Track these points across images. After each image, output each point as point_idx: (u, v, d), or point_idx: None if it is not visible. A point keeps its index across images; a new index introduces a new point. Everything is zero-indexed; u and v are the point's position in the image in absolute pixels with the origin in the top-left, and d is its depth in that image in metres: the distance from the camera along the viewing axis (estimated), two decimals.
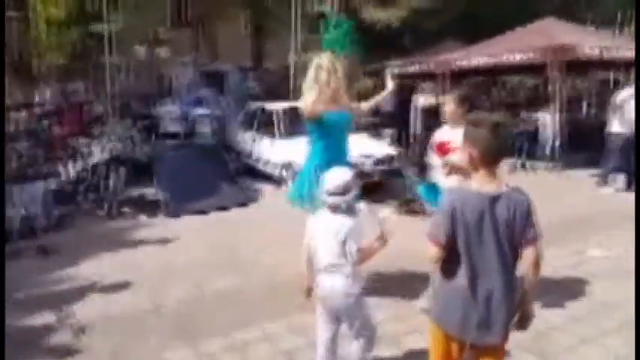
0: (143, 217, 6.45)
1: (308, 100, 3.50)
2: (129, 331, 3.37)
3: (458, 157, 2.06)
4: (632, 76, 9.64)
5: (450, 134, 3.31)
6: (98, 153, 6.82)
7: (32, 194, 5.70)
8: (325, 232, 2.44)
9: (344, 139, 3.69)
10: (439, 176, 3.31)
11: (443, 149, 3.34)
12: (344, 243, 2.38)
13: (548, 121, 9.32)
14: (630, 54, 9.37)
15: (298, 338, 3.15)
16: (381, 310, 3.38)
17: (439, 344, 2.03)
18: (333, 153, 3.53)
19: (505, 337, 1.93)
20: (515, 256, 1.90)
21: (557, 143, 9.10)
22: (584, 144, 9.86)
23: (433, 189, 3.30)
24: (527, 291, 1.93)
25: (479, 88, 13.30)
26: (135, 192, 7.27)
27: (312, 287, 2.58)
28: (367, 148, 7.55)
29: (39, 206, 5.68)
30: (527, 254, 1.87)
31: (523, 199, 1.87)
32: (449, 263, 1.94)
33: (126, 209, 6.67)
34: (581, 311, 3.54)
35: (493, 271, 1.87)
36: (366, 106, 4.00)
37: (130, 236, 5.68)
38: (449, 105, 3.46)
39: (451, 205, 1.89)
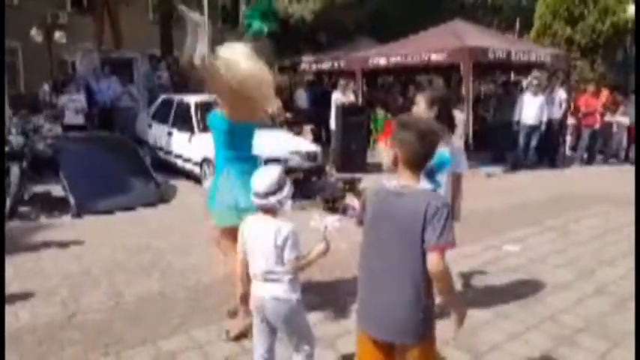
0: (49, 217, 5.93)
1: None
2: (42, 345, 3.07)
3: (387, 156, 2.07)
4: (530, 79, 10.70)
5: None
6: None
7: None
8: (260, 238, 2.30)
9: (249, 135, 3.44)
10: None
11: None
12: (281, 249, 2.25)
13: (458, 120, 9.92)
14: (533, 58, 10.36)
15: (230, 345, 3.05)
16: (314, 310, 3.39)
17: (361, 346, 2.05)
18: (236, 149, 3.30)
19: (415, 337, 1.91)
20: (420, 256, 1.86)
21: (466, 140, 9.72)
22: (490, 142, 10.75)
23: None
24: (441, 295, 1.94)
25: (393, 87, 13.79)
26: (39, 188, 6.67)
27: (248, 294, 2.42)
28: (293, 145, 7.56)
29: None
30: (429, 259, 1.84)
31: (429, 201, 1.83)
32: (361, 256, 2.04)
33: (28, 208, 6.09)
34: (505, 306, 3.70)
35: (392, 269, 1.89)
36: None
37: (35, 238, 5.19)
38: (418, 105, 3.30)
39: (367, 195, 2.02)
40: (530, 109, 9.94)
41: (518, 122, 10.08)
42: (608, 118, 11.13)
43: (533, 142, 10.12)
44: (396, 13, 16.40)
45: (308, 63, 13.38)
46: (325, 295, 3.79)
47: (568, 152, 11.57)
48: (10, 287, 3.90)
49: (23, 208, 6.11)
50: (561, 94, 10.76)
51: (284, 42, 16.16)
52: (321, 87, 14.02)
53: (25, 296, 3.74)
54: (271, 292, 2.28)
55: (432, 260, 1.82)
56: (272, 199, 2.30)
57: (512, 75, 14.04)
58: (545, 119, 10.03)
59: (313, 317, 3.34)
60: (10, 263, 4.37)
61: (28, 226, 5.62)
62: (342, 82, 9.97)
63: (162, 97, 9.65)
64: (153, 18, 17.35)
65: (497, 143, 10.75)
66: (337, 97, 9.64)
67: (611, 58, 16.17)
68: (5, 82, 9.38)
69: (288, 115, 10.38)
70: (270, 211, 2.33)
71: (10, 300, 3.66)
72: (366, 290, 2.00)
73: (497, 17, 21.61)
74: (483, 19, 20.31)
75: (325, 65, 13.05)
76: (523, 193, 7.95)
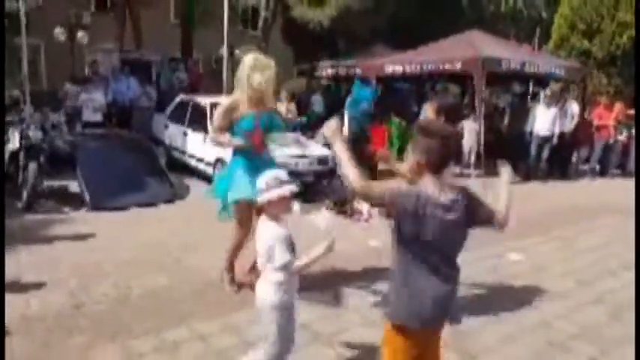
0: (64, 211, 6.14)
1: (228, 100, 3.71)
2: (51, 332, 3.22)
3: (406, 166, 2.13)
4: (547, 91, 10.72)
5: None
6: (16, 141, 6.34)
7: None
8: (260, 237, 2.42)
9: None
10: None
11: None
12: (272, 251, 2.32)
13: (471, 129, 9.94)
14: (547, 69, 10.38)
15: (231, 337, 3.18)
16: (311, 309, 3.49)
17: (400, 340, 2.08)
18: (254, 154, 3.68)
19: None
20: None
21: (477, 151, 9.75)
22: (503, 152, 10.74)
23: None
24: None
25: (410, 94, 13.84)
26: (56, 183, 6.89)
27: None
28: (301, 148, 7.67)
29: None
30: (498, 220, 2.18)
31: (465, 195, 2.05)
32: (408, 263, 2.04)
33: (46, 202, 6.31)
34: (501, 311, 3.77)
35: (446, 264, 2.06)
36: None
37: (49, 231, 5.38)
38: (426, 113, 3.42)
39: (417, 194, 1.96)
40: (543, 121, 9.96)
41: (530, 133, 10.09)
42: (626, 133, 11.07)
43: (545, 154, 10.11)
44: (414, 21, 16.49)
45: (324, 68, 13.53)
46: (326, 294, 3.90)
47: (581, 165, 11.50)
48: (24, 277, 4.07)
49: (39, 202, 6.32)
50: (574, 106, 10.74)
51: (302, 47, 16.38)
52: (337, 92, 14.17)
53: (37, 286, 3.89)
54: (258, 288, 2.43)
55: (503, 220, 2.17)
56: (259, 198, 2.39)
57: (532, 86, 14.01)
58: (557, 131, 10.01)
59: (313, 314, 3.46)
60: (25, 254, 4.58)
61: (44, 219, 5.80)
62: None
63: (179, 98, 9.87)
64: (173, 20, 17.71)
65: (509, 154, 10.73)
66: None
67: (629, 71, 16.04)
68: (21, 79, 9.70)
69: (303, 119, 10.53)
70: (262, 210, 2.43)
71: (23, 289, 3.82)
72: (416, 285, 2.02)
73: (517, 29, 21.61)
74: (503, 30, 20.35)
75: (341, 71, 13.20)
76: (532, 203, 7.95)
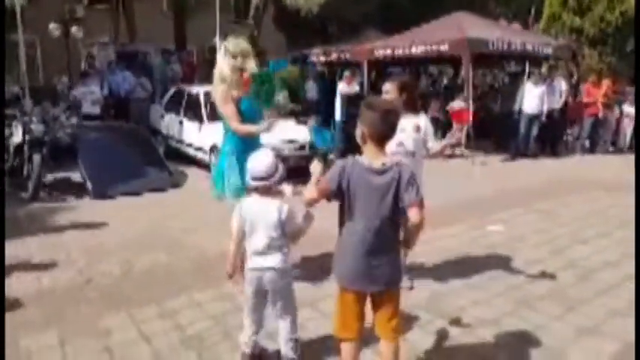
0: (68, 200, 6.45)
1: (219, 89, 3.62)
2: (62, 303, 3.55)
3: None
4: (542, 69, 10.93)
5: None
6: (20, 135, 6.64)
7: None
8: (263, 215, 2.55)
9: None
10: None
11: None
12: (282, 224, 2.53)
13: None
14: (534, 48, 10.54)
15: (224, 303, 3.50)
16: (298, 277, 3.79)
17: (343, 301, 2.37)
18: (247, 139, 3.68)
19: (399, 283, 2.39)
20: (399, 214, 2.28)
21: (467, 131, 9.97)
22: (492, 131, 11.00)
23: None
24: (408, 237, 2.38)
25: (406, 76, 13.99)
26: (59, 174, 7.21)
27: (236, 270, 2.74)
28: (291, 133, 7.93)
29: None
30: (411, 214, 2.23)
31: (402, 171, 2.25)
32: (343, 226, 2.35)
33: (50, 192, 6.64)
34: (475, 276, 4.07)
35: (379, 228, 2.26)
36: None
37: (55, 218, 5.71)
38: (390, 93, 3.52)
39: (342, 168, 2.27)
40: (531, 99, 10.12)
41: (519, 111, 10.26)
42: (626, 108, 11.26)
43: (534, 132, 10.30)
44: (405, 4, 16.60)
45: (316, 55, 13.71)
46: (307, 265, 4.20)
47: (573, 142, 11.71)
48: (33, 259, 4.40)
49: (44, 193, 6.63)
50: (562, 84, 10.94)
51: (295, 34, 16.51)
52: (330, 78, 14.34)
53: (46, 265, 4.23)
54: (271, 263, 2.57)
55: (415, 213, 2.22)
56: (272, 180, 2.59)
57: (528, 65, 14.06)
58: (545, 109, 10.20)
59: (295, 283, 3.75)
60: (33, 239, 4.91)
61: (50, 207, 6.13)
62: (347, 73, 10.28)
63: (174, 88, 10.12)
64: (166, 12, 17.83)
65: (498, 132, 11.00)
66: (342, 88, 9.97)
67: (621, 48, 16.14)
68: (22, 75, 9.93)
69: (293, 105, 10.76)
70: (270, 191, 2.61)
71: (34, 268, 4.16)
72: (353, 252, 2.29)
73: (507, 8, 21.59)
74: (494, 10, 20.36)
75: (333, 57, 13.37)
76: (517, 179, 8.25)
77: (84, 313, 3.41)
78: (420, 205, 2.27)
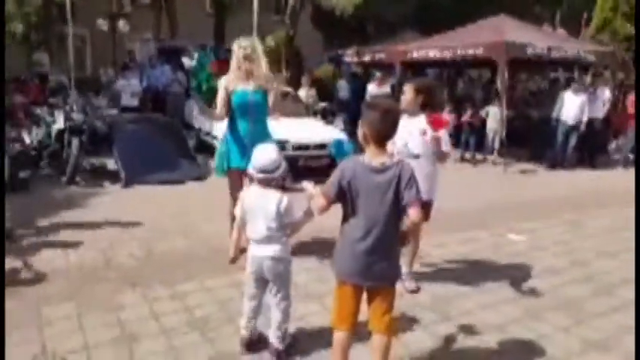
0: (102, 185, 6.77)
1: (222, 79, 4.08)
2: (84, 279, 3.79)
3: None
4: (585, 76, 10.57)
5: (407, 123, 3.35)
6: (61, 121, 7.03)
7: None
8: (264, 206, 2.64)
9: (259, 118, 4.16)
10: None
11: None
12: (281, 216, 2.62)
13: (495, 115, 9.85)
14: (575, 54, 10.18)
15: (232, 290, 3.62)
16: (307, 272, 3.91)
17: (342, 294, 2.43)
18: (247, 130, 4.07)
19: (395, 281, 2.43)
20: (400, 213, 2.32)
21: (501, 138, 9.72)
22: (530, 139, 10.67)
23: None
24: (404, 235, 2.44)
25: (442, 79, 13.83)
26: (96, 161, 7.58)
27: (238, 256, 2.94)
28: (316, 132, 7.93)
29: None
30: (411, 212, 2.27)
31: (402, 170, 2.28)
32: (345, 222, 2.41)
33: (86, 177, 6.99)
34: (487, 282, 4.04)
35: (378, 225, 2.31)
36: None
37: (88, 201, 6.01)
38: (406, 94, 3.56)
39: (342, 170, 2.33)
40: (570, 108, 9.69)
41: (557, 120, 9.88)
42: None
43: (572, 142, 9.85)
44: (445, 5, 16.34)
45: (351, 55, 13.74)
46: (312, 260, 4.26)
47: (616, 154, 11.22)
48: (64, 238, 4.68)
49: (80, 178, 6.96)
50: (605, 93, 10.52)
51: (332, 33, 16.58)
52: (364, 79, 14.36)
53: (76, 244, 4.50)
54: (271, 252, 2.68)
55: (415, 211, 2.26)
56: (273, 175, 2.67)
57: (574, 73, 13.57)
58: (585, 119, 9.73)
59: (305, 277, 3.84)
60: (67, 219, 5.22)
61: (84, 191, 6.46)
62: (378, 74, 10.25)
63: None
64: (208, 9, 18.26)
65: (534, 141, 10.66)
66: (371, 89, 9.97)
67: None
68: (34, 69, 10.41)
69: (326, 104, 10.78)
70: (270, 184, 2.68)
71: (65, 245, 4.46)
72: (353, 248, 2.35)
73: (557, 12, 20.93)
74: (541, 14, 19.77)
75: (367, 57, 13.35)
76: (549, 189, 8.04)
77: (102, 290, 3.61)
78: (420, 204, 2.31)
